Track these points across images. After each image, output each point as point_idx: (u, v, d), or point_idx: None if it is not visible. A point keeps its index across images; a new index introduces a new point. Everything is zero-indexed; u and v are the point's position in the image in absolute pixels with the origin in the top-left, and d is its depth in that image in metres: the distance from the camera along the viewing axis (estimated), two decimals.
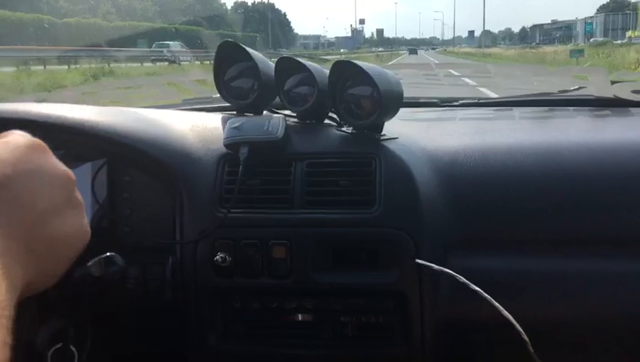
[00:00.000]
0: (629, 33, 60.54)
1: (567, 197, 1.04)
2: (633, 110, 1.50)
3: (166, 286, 1.07)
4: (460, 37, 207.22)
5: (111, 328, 1.11)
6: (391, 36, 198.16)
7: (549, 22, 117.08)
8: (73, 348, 1.02)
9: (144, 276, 1.07)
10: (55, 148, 1.14)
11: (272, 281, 1.03)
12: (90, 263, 0.94)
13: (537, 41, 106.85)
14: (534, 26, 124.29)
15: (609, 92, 1.53)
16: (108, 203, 1.12)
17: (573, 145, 1.13)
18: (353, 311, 1.04)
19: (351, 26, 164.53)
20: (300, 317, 1.06)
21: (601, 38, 61.08)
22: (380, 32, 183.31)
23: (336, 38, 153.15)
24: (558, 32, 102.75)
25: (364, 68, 1.07)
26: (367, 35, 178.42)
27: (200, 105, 1.62)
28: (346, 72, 1.11)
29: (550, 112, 1.59)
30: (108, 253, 0.94)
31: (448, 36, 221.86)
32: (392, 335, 1.04)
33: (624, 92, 1.52)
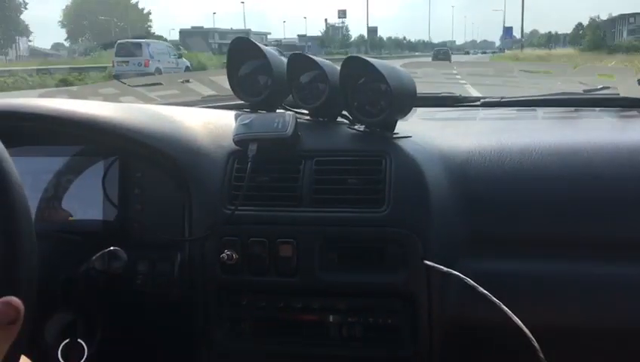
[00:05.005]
0: None
1: (584, 199, 1.00)
2: None
3: (174, 282, 1.07)
4: (474, 41, 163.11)
5: (120, 323, 1.12)
6: (385, 36, 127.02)
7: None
8: (82, 343, 1.03)
9: (152, 272, 1.07)
10: (68, 144, 1.16)
11: (279, 279, 1.02)
12: (94, 258, 0.95)
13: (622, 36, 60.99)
14: (610, 20, 69.28)
15: (636, 92, 1.48)
16: (119, 199, 1.13)
17: (594, 146, 1.09)
18: (360, 311, 1.02)
19: (326, 20, 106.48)
20: (306, 316, 1.04)
21: None
22: (372, 30, 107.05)
23: (298, 36, 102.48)
24: None
25: (376, 65, 1.05)
26: (355, 33, 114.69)
27: (219, 102, 1.62)
28: (358, 69, 1.10)
29: (575, 113, 1.54)
30: (112, 248, 0.95)
31: (462, 40, 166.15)
32: (400, 336, 1.02)
33: None
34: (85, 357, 1.01)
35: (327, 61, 1.18)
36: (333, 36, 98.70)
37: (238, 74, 1.27)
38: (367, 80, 1.10)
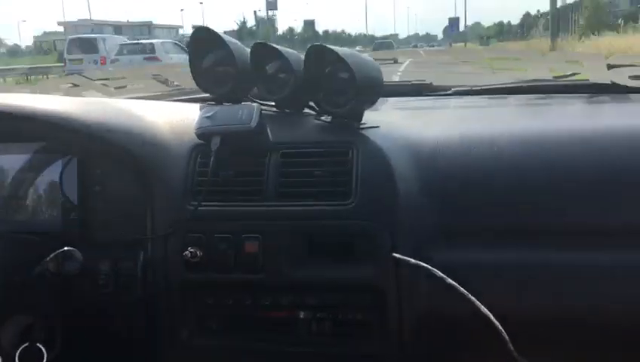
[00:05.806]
0: None
1: (553, 188, 0.99)
2: (632, 96, 1.44)
3: (137, 282, 1.03)
4: (417, 35, 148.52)
5: (82, 326, 1.08)
6: (322, 31, 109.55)
7: None
8: (42, 347, 0.99)
9: (115, 272, 1.03)
10: (26, 140, 1.12)
11: (245, 276, 1.00)
12: (47, 259, 0.91)
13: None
14: (564, 7, 47.79)
15: (606, 77, 1.48)
16: (78, 197, 1.09)
17: (564, 134, 1.08)
18: (329, 306, 1.00)
19: (255, 13, 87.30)
20: (274, 313, 1.02)
21: None
22: (309, 23, 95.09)
23: (193, 27, 34.87)
24: None
25: (341, 53, 1.02)
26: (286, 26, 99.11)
27: (184, 96, 1.58)
28: (324, 59, 1.07)
29: (545, 100, 1.53)
30: (65, 248, 0.91)
31: (405, 33, 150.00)
32: (370, 331, 1.00)
33: (622, 77, 1.46)
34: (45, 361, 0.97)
35: (292, 50, 1.15)
36: (253, 30, 79.19)
37: (201, 66, 1.23)
38: (333, 69, 1.07)
